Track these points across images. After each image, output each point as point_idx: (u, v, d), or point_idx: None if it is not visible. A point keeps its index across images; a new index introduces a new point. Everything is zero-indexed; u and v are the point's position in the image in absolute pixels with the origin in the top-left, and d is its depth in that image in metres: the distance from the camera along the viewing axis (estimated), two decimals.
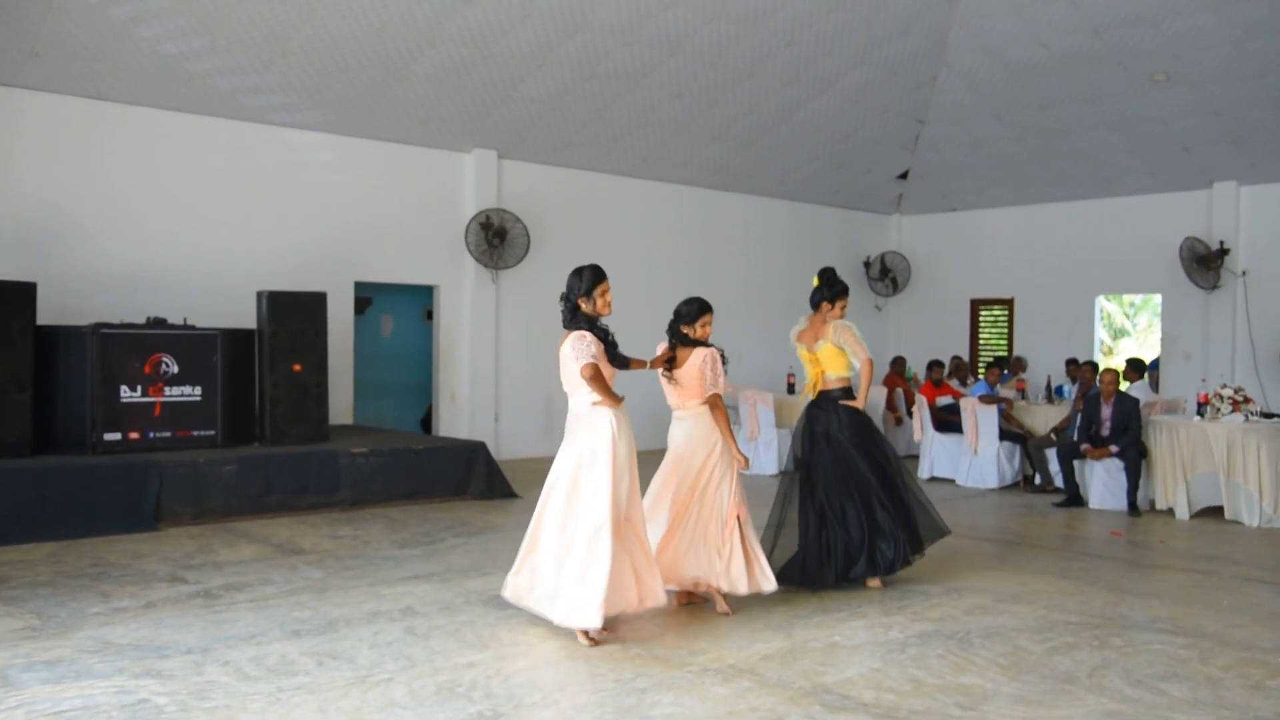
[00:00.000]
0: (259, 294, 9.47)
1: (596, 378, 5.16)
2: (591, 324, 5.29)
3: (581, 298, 5.27)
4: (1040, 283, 15.30)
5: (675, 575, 5.69)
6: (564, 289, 5.37)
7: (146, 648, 4.93)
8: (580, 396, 5.28)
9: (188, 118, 10.27)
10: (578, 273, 5.33)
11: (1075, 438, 9.84)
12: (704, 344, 5.74)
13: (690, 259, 14.20)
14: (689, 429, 5.73)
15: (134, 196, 9.98)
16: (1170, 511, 9.11)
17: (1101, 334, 16.43)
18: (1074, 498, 9.68)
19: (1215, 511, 8.95)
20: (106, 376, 8.45)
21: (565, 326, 5.35)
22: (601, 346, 5.27)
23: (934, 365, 12.54)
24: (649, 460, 5.69)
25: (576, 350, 5.19)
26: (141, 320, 9.05)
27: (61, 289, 9.31)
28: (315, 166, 11.15)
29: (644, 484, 5.45)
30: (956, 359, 13.92)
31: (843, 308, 6.47)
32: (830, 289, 6.46)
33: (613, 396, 5.22)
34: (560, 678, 4.54)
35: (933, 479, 11.36)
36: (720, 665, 4.76)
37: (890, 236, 16.87)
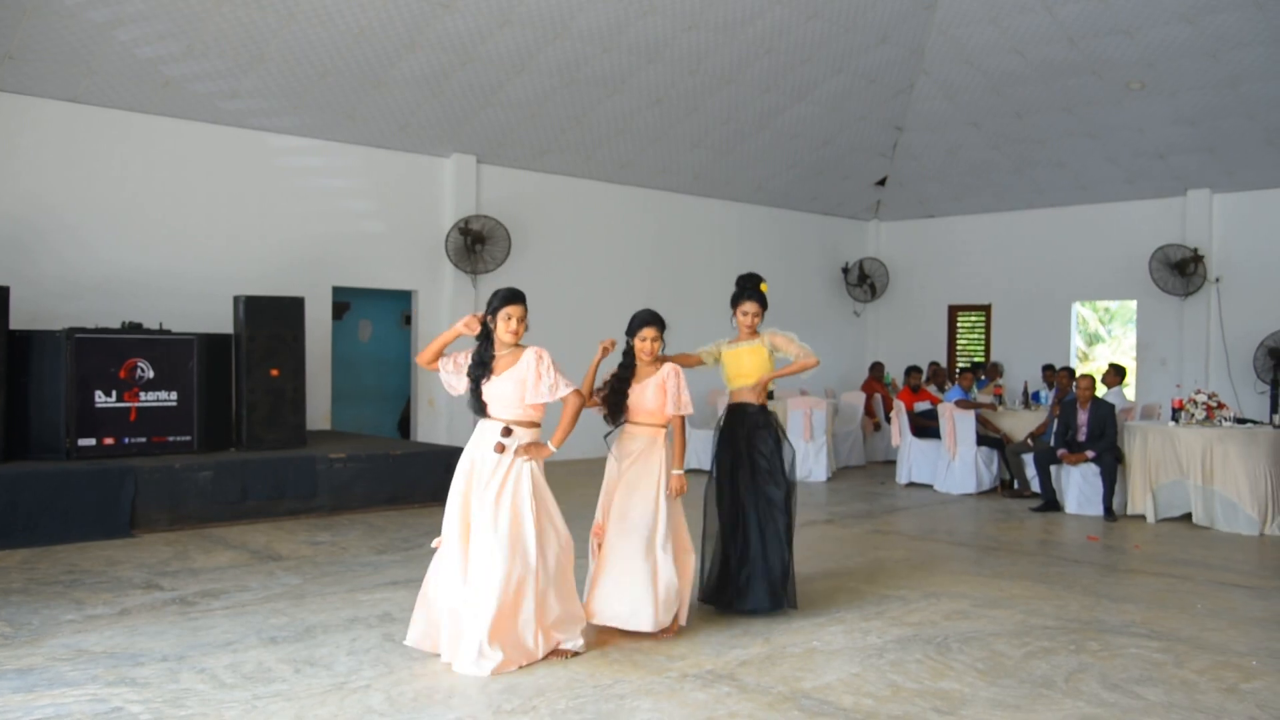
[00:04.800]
0: (236, 298, 9.42)
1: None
2: (482, 343, 4.94)
3: (488, 316, 4.95)
4: (1017, 289, 15.41)
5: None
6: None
7: (121, 655, 4.88)
8: None
9: (165, 121, 10.21)
10: (496, 292, 5.04)
11: (1052, 443, 9.91)
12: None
13: (669, 265, 14.21)
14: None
15: (111, 200, 9.91)
16: (1145, 516, 9.19)
17: (1077, 340, 16.54)
18: (1050, 503, 9.74)
19: (1190, 517, 9.02)
20: (81, 381, 8.37)
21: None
22: (463, 367, 4.97)
23: (912, 371, 12.60)
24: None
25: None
26: (117, 325, 8.98)
27: (37, 293, 9.23)
28: (293, 171, 11.10)
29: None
30: (934, 365, 13.98)
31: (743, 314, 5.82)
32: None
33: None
34: (538, 684, 4.53)
35: (911, 484, 11.43)
36: (699, 671, 4.76)
37: (868, 243, 16.94)
